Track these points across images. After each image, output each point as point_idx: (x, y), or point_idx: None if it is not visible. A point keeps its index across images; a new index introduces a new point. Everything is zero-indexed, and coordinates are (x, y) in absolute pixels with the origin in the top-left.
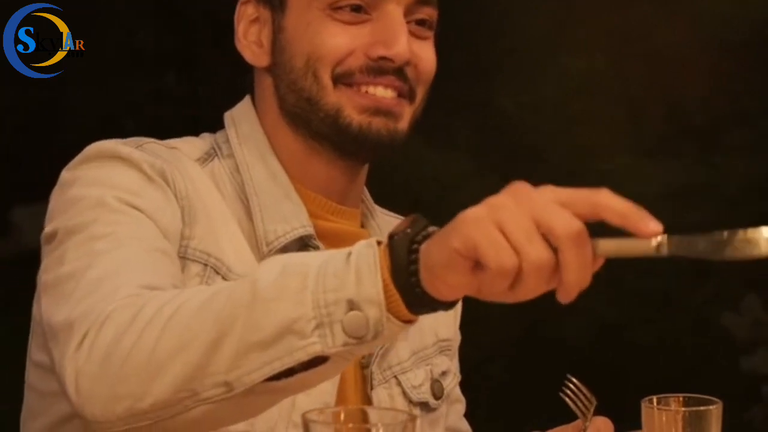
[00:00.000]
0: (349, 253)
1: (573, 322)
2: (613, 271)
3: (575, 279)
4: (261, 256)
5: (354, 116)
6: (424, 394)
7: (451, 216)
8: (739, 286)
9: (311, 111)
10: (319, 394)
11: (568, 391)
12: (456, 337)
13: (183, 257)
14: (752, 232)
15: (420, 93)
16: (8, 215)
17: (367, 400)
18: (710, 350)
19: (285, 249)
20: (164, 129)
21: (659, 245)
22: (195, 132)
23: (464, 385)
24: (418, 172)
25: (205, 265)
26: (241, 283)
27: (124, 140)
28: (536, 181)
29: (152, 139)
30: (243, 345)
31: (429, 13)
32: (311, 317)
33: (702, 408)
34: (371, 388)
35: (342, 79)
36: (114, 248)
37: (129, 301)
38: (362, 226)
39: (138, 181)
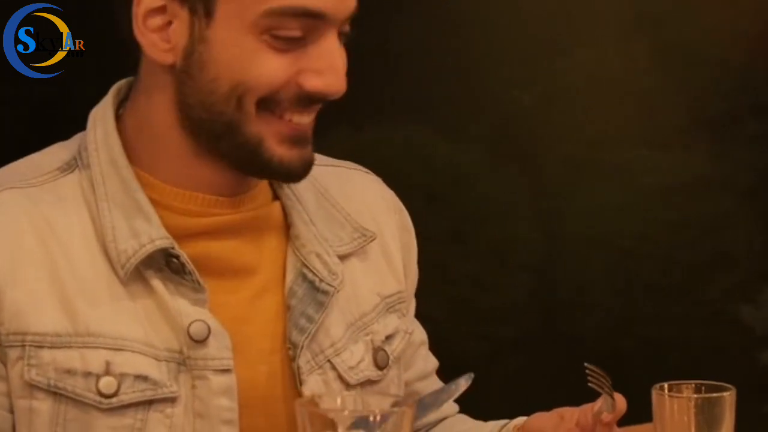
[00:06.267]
0: None
1: (589, 315)
2: (628, 264)
3: None
4: (121, 280)
5: (275, 148)
6: (365, 371)
7: (464, 207)
8: (758, 279)
9: (227, 135)
10: (217, 412)
11: (593, 379)
12: (408, 286)
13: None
14: None
15: None
16: None
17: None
18: (728, 344)
19: (147, 263)
20: None
21: None
22: None
23: (479, 379)
24: (431, 165)
25: (23, 346)
26: None
27: None
28: (548, 172)
29: None
30: None
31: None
32: None
33: (715, 395)
34: (300, 384)
35: (265, 106)
36: None
37: None
38: (276, 196)
39: None
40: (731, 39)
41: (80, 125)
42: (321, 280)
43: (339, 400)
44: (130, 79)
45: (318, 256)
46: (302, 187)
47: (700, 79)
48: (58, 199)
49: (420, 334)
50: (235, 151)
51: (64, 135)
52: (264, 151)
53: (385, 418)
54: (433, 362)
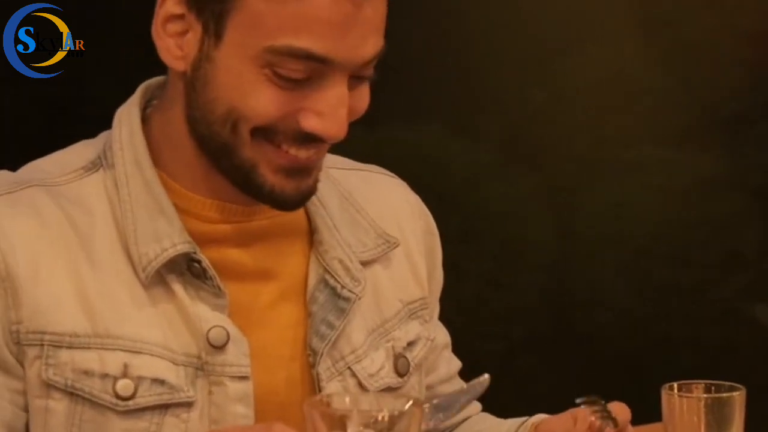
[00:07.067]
0: None
1: (601, 315)
2: (640, 263)
3: None
4: (141, 283)
5: (268, 176)
6: (384, 378)
7: (475, 207)
8: None
9: (224, 155)
10: (232, 418)
11: (588, 408)
12: (432, 291)
13: (18, 343)
14: None
15: None
16: None
17: None
18: (741, 343)
19: (168, 267)
20: None
21: None
22: None
23: (491, 378)
24: (442, 165)
25: (41, 345)
26: None
27: None
28: (560, 172)
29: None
30: None
31: (373, 64)
32: None
33: (724, 395)
34: (319, 390)
35: (262, 135)
36: None
37: None
38: None
39: None
40: (743, 38)
41: (80, 125)
42: (343, 287)
43: (348, 400)
44: (159, 78)
45: (341, 262)
46: (326, 191)
47: (712, 79)
48: (81, 198)
49: (443, 336)
50: (231, 171)
51: (64, 135)
52: (257, 177)
53: (393, 418)
54: (456, 364)
